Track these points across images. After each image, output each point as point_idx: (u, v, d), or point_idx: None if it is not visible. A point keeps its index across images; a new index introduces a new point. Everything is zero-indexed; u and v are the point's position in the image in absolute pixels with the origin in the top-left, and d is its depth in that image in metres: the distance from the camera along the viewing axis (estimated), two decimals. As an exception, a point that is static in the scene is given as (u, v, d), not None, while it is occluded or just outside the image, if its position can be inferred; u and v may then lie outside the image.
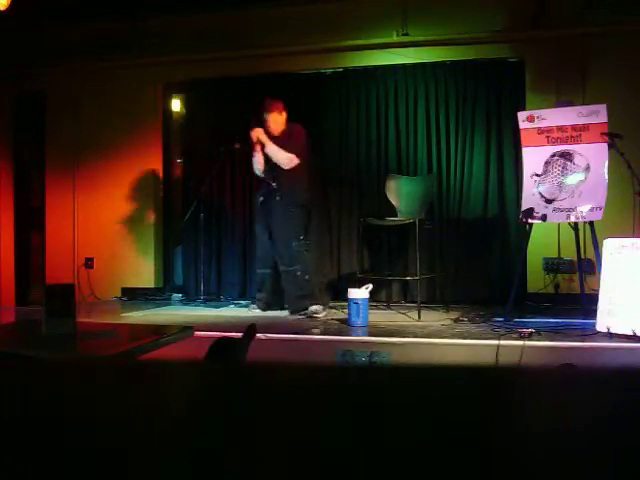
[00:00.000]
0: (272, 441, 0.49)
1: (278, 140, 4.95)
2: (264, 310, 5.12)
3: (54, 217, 6.71)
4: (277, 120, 4.97)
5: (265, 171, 5.02)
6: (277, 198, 4.95)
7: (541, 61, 5.54)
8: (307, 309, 4.89)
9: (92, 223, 6.56)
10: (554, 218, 4.64)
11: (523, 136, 4.76)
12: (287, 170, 4.93)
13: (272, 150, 4.93)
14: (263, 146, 4.95)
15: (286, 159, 4.91)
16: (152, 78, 6.40)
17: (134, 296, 6.29)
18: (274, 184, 4.96)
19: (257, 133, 4.96)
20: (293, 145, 4.93)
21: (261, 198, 5.06)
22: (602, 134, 4.42)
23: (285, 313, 5.04)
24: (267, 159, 4.99)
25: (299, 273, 4.91)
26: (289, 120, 5.04)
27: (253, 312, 5.19)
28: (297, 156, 4.91)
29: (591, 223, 4.49)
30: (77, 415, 0.56)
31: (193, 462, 0.45)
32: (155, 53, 6.19)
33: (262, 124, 4.98)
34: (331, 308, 5.34)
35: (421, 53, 5.81)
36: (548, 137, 4.66)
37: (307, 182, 5.07)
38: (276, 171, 4.97)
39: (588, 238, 4.68)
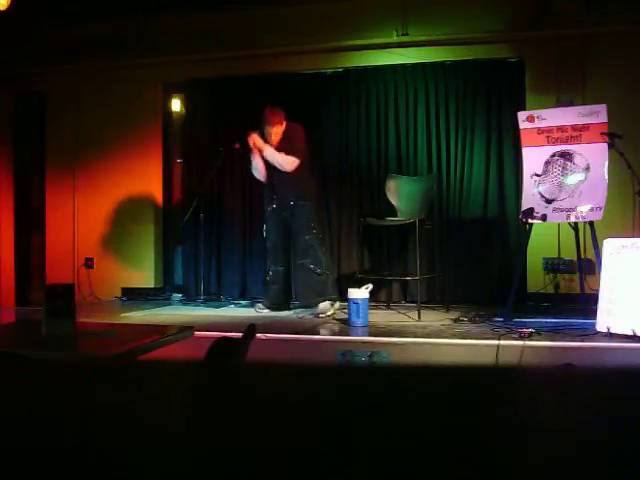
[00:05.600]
0: (272, 441, 0.49)
1: (278, 143, 4.94)
2: (274, 310, 5.08)
3: (54, 217, 6.71)
4: (279, 132, 4.94)
5: (267, 176, 5.00)
6: (287, 195, 4.91)
7: (541, 61, 5.53)
8: (317, 305, 4.86)
9: (92, 223, 6.56)
10: (554, 218, 4.63)
11: (523, 136, 4.76)
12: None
13: (271, 154, 4.91)
14: (261, 151, 4.93)
15: (286, 163, 4.88)
16: (152, 78, 6.40)
17: (134, 296, 6.29)
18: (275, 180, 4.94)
19: (253, 139, 4.94)
20: (294, 147, 4.90)
21: (273, 201, 5.02)
22: (602, 134, 4.42)
23: (286, 313, 5.05)
24: (267, 163, 4.97)
25: (311, 266, 4.89)
26: (288, 119, 5.01)
27: (259, 312, 5.13)
28: (298, 157, 4.89)
29: (591, 223, 4.48)
30: (77, 415, 0.56)
31: (193, 462, 0.45)
32: (155, 53, 6.19)
33: (262, 134, 4.96)
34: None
35: (421, 53, 5.80)
36: (548, 137, 4.66)
37: (311, 176, 5.07)
38: (279, 170, 4.94)
39: (588, 238, 4.68)
